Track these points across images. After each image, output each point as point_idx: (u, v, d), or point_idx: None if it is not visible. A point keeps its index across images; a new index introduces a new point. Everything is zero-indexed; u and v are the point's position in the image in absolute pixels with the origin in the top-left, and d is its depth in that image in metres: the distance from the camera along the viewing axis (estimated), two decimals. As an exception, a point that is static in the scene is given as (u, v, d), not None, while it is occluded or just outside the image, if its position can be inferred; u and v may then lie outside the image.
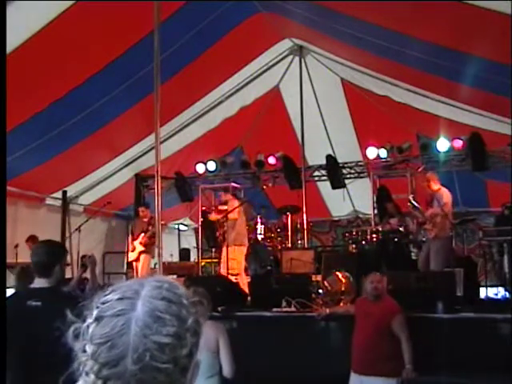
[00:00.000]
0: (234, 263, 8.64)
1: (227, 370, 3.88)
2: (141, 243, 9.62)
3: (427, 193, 8.26)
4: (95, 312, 0.96)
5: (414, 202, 8.16)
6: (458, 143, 9.64)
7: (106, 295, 0.98)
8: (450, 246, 8.10)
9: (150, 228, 9.42)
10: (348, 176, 11.02)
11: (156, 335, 0.93)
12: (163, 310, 0.95)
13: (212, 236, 11.17)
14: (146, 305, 0.95)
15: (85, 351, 0.94)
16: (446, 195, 7.88)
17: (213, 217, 9.75)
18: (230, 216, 8.85)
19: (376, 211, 10.42)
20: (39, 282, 3.25)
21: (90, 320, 0.96)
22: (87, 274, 5.05)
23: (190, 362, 0.97)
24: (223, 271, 8.66)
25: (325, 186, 11.62)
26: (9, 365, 3.10)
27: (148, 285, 0.99)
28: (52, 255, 3.34)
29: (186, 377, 0.97)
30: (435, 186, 7.98)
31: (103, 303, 0.97)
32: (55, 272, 3.29)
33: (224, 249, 8.80)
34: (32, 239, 8.92)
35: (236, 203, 9.11)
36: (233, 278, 8.41)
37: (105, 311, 0.95)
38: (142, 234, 9.62)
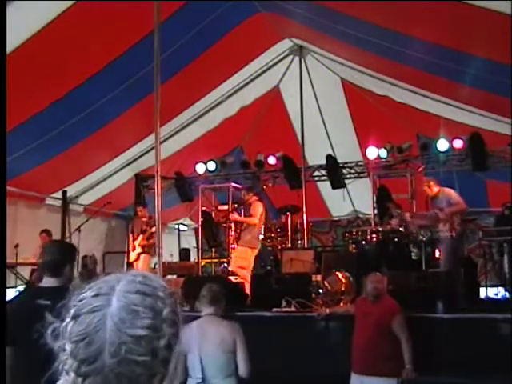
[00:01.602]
0: (245, 262, 8.66)
1: (243, 370, 3.95)
2: (139, 245, 9.63)
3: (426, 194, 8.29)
4: (72, 310, 0.97)
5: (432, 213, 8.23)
6: (458, 143, 9.64)
7: (83, 293, 0.99)
8: (464, 243, 8.20)
9: (148, 229, 9.42)
10: (348, 176, 11.01)
11: (131, 328, 0.93)
12: (137, 303, 0.96)
13: (212, 236, 11.16)
14: (120, 299, 0.96)
15: (64, 350, 0.95)
16: (453, 194, 7.88)
17: (232, 217, 9.38)
18: (251, 221, 8.83)
19: (376, 211, 10.42)
20: (49, 282, 3.25)
21: (68, 319, 0.97)
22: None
23: (170, 353, 0.97)
24: (232, 267, 8.71)
25: (325, 186, 11.62)
26: (16, 364, 3.07)
27: (123, 280, 1.00)
28: (63, 254, 3.34)
29: (167, 368, 0.97)
30: (435, 188, 8.00)
31: (80, 301, 0.97)
32: (66, 271, 3.29)
33: (237, 247, 8.87)
34: (46, 232, 9.07)
35: (259, 206, 8.92)
36: (242, 275, 8.42)
37: (81, 309, 0.96)
38: (141, 236, 9.63)
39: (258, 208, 8.88)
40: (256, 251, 8.92)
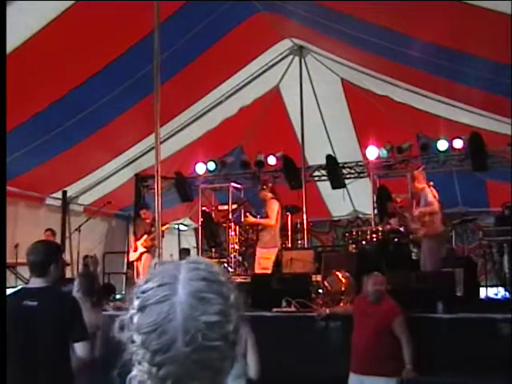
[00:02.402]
0: (268, 262, 8.67)
1: (254, 371, 3.95)
2: (142, 244, 9.64)
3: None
4: (137, 302, 0.98)
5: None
6: (458, 143, 9.64)
7: (143, 284, 1.00)
8: (441, 244, 8.03)
9: (153, 230, 9.42)
10: (348, 176, 11.02)
11: (204, 315, 0.95)
12: (205, 290, 0.97)
13: (212, 236, 11.16)
14: (186, 287, 0.97)
15: (133, 341, 0.96)
16: (430, 194, 7.84)
17: (248, 220, 9.35)
18: (268, 222, 8.79)
19: (376, 211, 10.42)
20: (35, 282, 3.27)
21: (132, 311, 0.98)
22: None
23: (237, 337, 1.00)
24: (257, 269, 8.75)
25: (325, 186, 11.61)
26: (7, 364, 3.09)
27: (184, 268, 1.01)
28: (47, 254, 3.35)
29: (235, 351, 1.00)
30: (420, 185, 7.97)
31: (143, 292, 0.98)
32: (51, 271, 3.29)
33: (258, 249, 8.93)
34: (50, 230, 9.13)
35: (275, 205, 8.84)
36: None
37: (147, 300, 0.97)
38: (145, 236, 9.64)
39: (274, 207, 8.82)
40: (276, 250, 8.92)
